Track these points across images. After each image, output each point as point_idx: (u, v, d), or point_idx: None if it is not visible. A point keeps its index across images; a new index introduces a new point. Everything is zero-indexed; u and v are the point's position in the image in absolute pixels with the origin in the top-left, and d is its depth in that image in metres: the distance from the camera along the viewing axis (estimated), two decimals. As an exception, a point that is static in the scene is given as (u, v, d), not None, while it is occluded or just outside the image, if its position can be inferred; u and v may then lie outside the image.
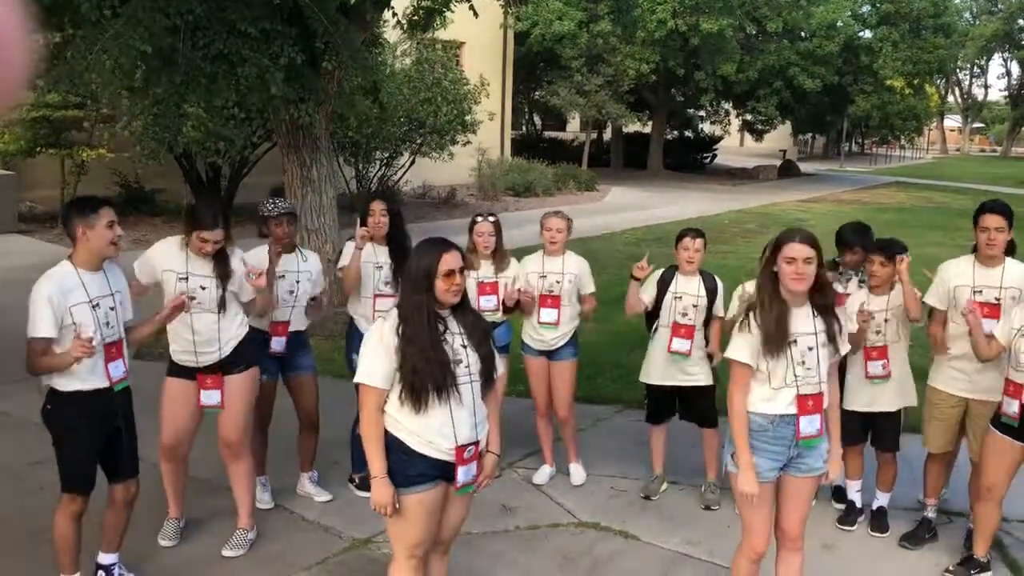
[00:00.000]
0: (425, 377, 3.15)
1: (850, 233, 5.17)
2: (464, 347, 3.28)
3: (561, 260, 5.35)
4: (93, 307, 3.70)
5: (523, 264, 5.42)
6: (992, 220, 4.50)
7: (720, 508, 5.16)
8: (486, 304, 5.23)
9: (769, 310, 3.53)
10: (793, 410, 3.55)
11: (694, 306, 5.13)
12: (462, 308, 3.35)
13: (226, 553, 4.42)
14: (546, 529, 4.92)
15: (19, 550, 4.34)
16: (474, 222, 5.31)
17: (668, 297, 5.19)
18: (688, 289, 5.17)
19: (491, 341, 3.46)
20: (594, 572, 4.47)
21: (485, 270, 5.29)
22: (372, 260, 5.12)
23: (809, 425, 3.58)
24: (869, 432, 5.03)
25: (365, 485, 4.68)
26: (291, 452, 5.18)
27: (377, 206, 5.13)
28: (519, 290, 5.21)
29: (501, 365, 5.42)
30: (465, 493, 3.39)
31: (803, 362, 3.54)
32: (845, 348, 3.72)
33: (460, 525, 3.57)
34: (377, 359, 3.21)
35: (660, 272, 5.29)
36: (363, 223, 5.12)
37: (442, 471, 3.27)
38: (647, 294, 5.26)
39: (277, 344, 4.86)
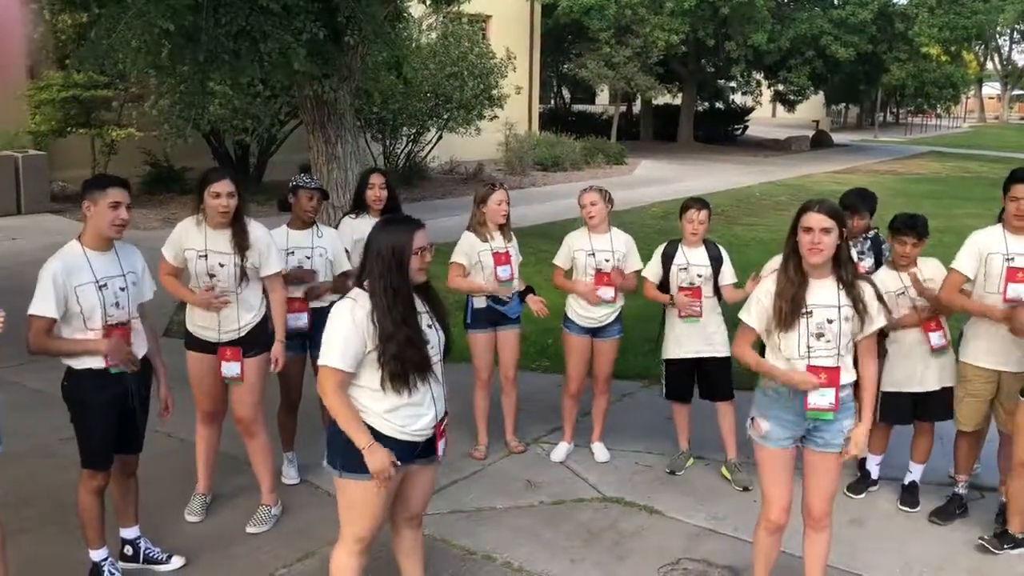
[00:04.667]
0: (410, 360, 3.12)
1: (855, 198, 5.14)
2: (430, 326, 3.26)
3: (608, 237, 5.29)
4: (100, 287, 3.69)
5: (567, 241, 5.37)
6: (1022, 190, 4.40)
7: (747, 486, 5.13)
8: (503, 274, 5.23)
9: (788, 282, 3.50)
10: None
11: (699, 276, 5.11)
12: (424, 286, 3.31)
13: (250, 530, 4.48)
14: (570, 504, 4.91)
15: (51, 524, 4.43)
16: (488, 193, 5.28)
17: (673, 270, 5.16)
18: (693, 260, 5.14)
19: (447, 316, 3.42)
20: (618, 547, 4.46)
21: (497, 241, 5.27)
22: (362, 237, 5.14)
23: (819, 398, 3.51)
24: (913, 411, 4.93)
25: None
26: (317, 428, 5.20)
27: (377, 179, 5.26)
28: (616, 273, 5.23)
29: (512, 337, 5.43)
30: (433, 463, 3.41)
31: (821, 335, 3.48)
32: (878, 323, 3.56)
33: (429, 496, 3.55)
34: (351, 342, 3.11)
35: (662, 247, 5.26)
36: (361, 196, 5.24)
37: (403, 455, 3.20)
38: (652, 271, 5.23)
39: (294, 320, 4.74)
